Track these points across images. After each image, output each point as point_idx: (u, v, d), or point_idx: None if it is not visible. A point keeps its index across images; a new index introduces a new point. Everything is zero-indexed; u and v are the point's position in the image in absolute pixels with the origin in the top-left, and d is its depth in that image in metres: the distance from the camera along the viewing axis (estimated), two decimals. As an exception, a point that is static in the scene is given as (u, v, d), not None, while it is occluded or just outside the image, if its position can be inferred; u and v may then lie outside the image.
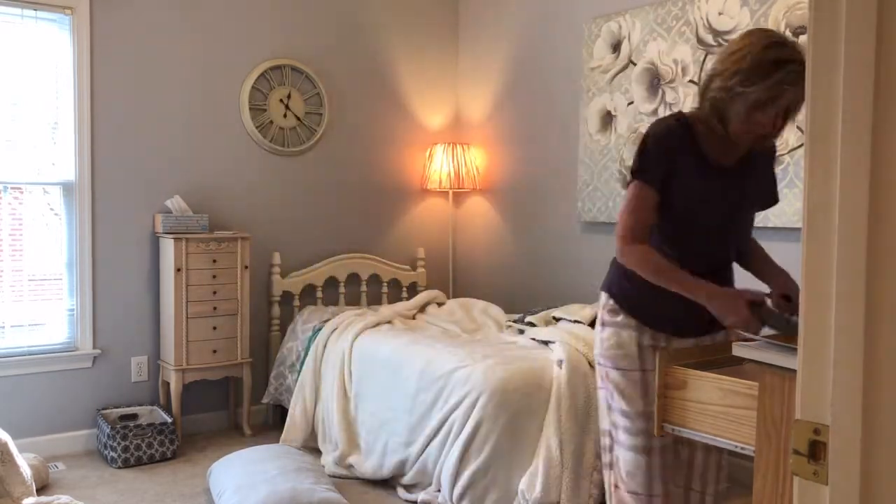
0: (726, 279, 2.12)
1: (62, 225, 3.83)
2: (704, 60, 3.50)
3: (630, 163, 2.32)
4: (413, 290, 4.80)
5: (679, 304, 1.95)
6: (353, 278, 4.61)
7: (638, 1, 3.82)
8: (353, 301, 4.61)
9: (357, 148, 4.65)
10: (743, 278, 2.17)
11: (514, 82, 4.62)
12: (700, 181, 1.98)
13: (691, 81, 3.57)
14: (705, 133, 1.98)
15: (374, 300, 4.69)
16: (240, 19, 4.22)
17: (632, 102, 3.85)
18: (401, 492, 3.28)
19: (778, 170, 2.73)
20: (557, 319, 3.60)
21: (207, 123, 4.15)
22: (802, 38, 2.96)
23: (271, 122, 4.33)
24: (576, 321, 3.43)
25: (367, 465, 3.42)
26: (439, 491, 3.06)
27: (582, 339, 3.18)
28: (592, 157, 4.05)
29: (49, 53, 3.75)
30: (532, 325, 3.68)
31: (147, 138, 3.98)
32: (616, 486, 2.09)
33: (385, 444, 3.34)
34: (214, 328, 3.90)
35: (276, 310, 4.35)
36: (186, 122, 4.08)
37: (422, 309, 4.35)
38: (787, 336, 1.66)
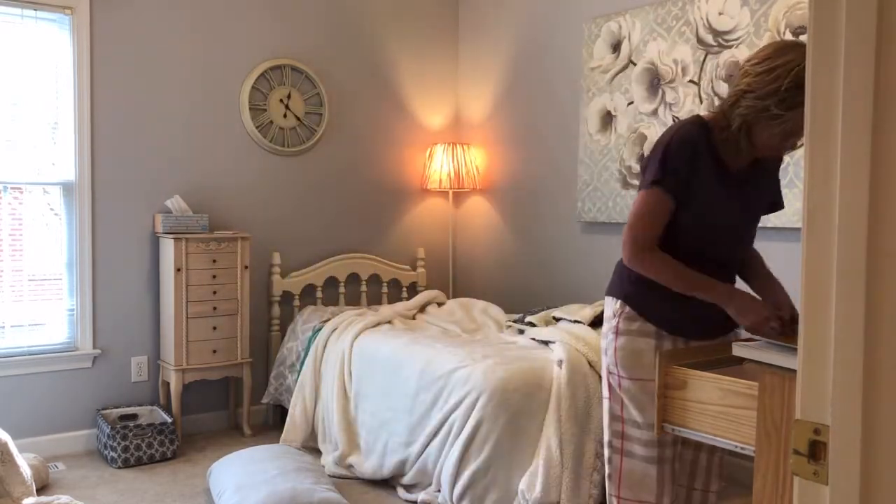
0: (732, 283, 2.10)
1: (62, 225, 3.83)
2: (704, 60, 3.50)
3: (633, 163, 2.31)
4: (413, 290, 4.80)
5: (697, 308, 1.94)
6: (353, 278, 4.61)
7: (638, 1, 3.82)
8: (353, 301, 4.61)
9: (357, 148, 4.65)
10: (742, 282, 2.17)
11: (514, 82, 4.62)
12: (718, 187, 1.96)
13: (691, 81, 3.57)
14: (723, 140, 1.95)
15: (374, 300, 4.69)
16: (240, 19, 4.22)
17: (632, 102, 3.85)
18: (401, 492, 3.28)
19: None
20: (557, 319, 3.60)
21: (207, 123, 4.15)
22: (802, 38, 2.96)
23: (271, 122, 4.33)
24: (576, 321, 3.43)
25: (367, 465, 3.42)
26: (439, 491, 3.06)
27: (582, 339, 3.18)
28: (592, 157, 4.05)
29: (49, 53, 3.75)
30: (532, 325, 3.68)
31: (147, 138, 3.98)
32: (621, 497, 2.05)
33: (385, 444, 3.33)
34: (214, 328, 3.90)
35: (276, 310, 4.35)
36: (186, 122, 4.08)
37: (422, 309, 4.34)
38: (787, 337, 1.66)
